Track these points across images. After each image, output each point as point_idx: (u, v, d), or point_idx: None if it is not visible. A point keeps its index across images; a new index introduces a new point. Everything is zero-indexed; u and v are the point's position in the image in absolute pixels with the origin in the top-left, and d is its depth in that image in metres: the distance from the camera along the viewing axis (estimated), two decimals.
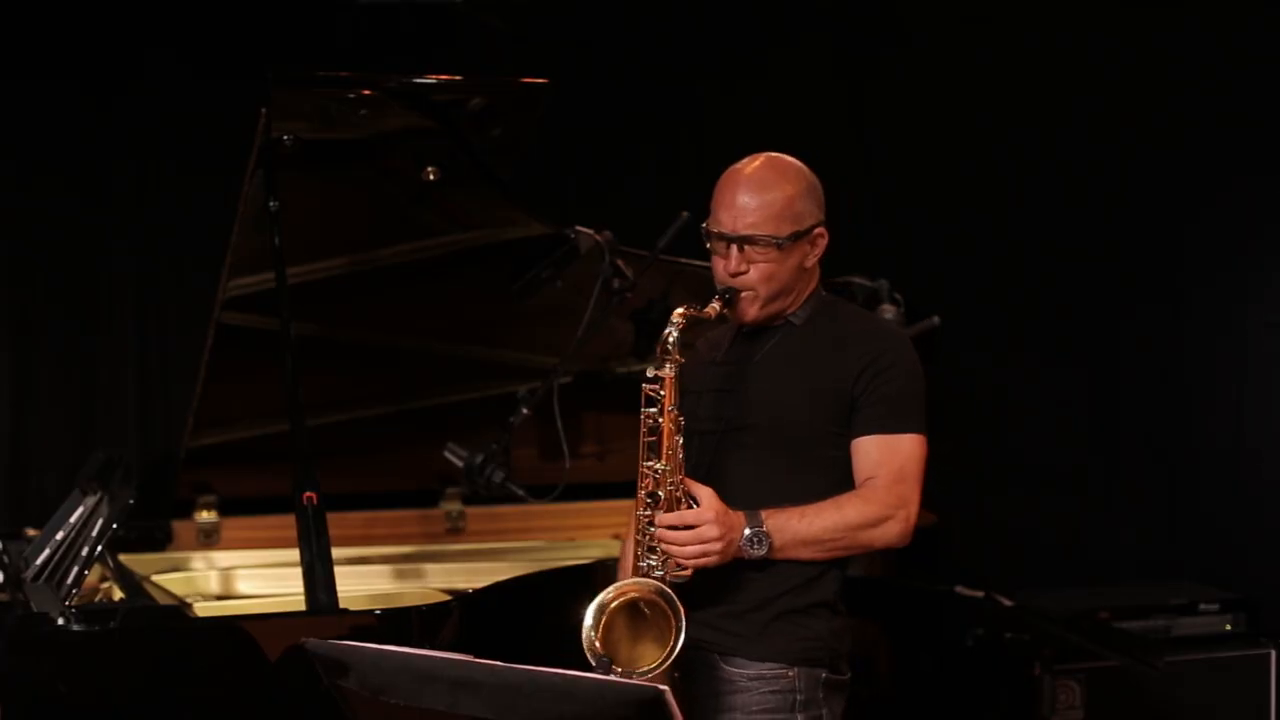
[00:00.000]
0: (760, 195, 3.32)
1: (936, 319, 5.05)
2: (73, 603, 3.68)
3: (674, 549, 3.21)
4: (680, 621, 3.17)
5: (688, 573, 3.23)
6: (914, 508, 3.34)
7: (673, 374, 3.27)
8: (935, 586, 4.90)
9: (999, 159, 5.92)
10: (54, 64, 5.57)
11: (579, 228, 4.47)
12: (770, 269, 3.33)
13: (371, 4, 5.75)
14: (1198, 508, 5.73)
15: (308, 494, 3.74)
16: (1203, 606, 5.22)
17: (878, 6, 6.08)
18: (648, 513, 3.26)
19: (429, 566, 4.77)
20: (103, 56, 5.62)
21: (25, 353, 5.61)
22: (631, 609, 3.21)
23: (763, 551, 3.22)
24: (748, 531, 3.21)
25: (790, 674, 3.32)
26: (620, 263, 4.50)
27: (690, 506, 3.24)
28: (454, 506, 5.23)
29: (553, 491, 4.64)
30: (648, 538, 3.26)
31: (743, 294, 3.34)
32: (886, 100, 6.07)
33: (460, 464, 4.69)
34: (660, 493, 3.25)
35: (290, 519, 3.78)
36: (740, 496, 3.29)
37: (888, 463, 3.31)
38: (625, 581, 3.26)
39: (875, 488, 3.30)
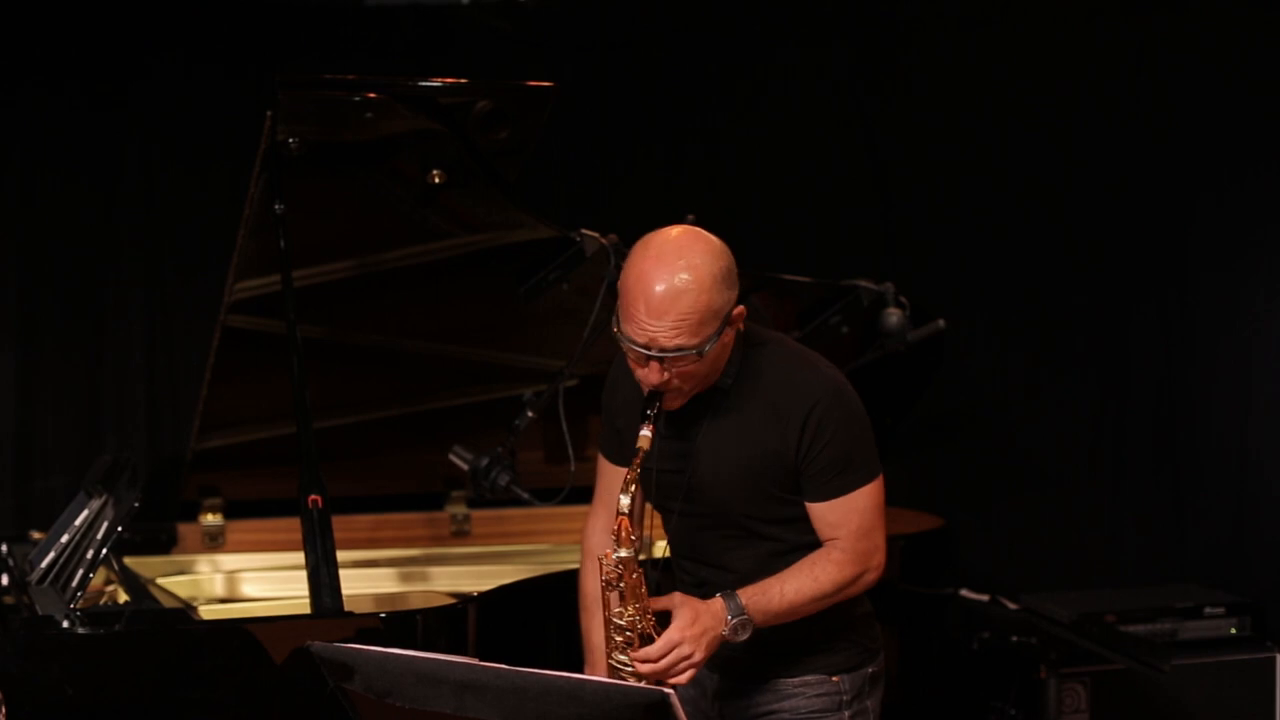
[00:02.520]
0: (676, 309, 3.11)
1: (942, 322, 5.06)
2: (78, 605, 3.67)
3: (653, 669, 3.17)
4: None
5: (682, 682, 3.19)
6: (882, 555, 3.35)
7: (631, 555, 3.19)
8: (940, 590, 4.90)
9: (1004, 163, 5.92)
10: (61, 67, 5.57)
11: (585, 231, 4.47)
12: (693, 370, 3.19)
13: (378, 6, 5.75)
14: (1204, 511, 5.72)
15: (313, 497, 3.75)
16: (1208, 610, 5.22)
17: (882, 11, 6.08)
18: (622, 655, 3.22)
19: (434, 569, 4.77)
20: (109, 60, 5.62)
21: (32, 355, 5.61)
22: None
23: (746, 635, 3.23)
24: (732, 621, 3.21)
25: (835, 679, 3.39)
26: None
27: (659, 632, 3.20)
28: (459, 509, 5.24)
29: (558, 494, 4.64)
30: (622, 665, 3.23)
31: (666, 395, 3.23)
32: (892, 103, 6.06)
33: (466, 467, 4.69)
34: (630, 633, 3.22)
35: (295, 522, 3.78)
36: (724, 568, 3.33)
37: (847, 523, 3.29)
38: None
39: (843, 549, 3.30)
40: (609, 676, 3.25)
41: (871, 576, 3.34)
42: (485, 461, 4.61)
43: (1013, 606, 4.85)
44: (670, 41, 6.04)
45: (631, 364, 3.24)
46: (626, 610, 3.21)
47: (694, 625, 3.19)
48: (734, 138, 6.06)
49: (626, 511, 3.20)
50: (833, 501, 3.29)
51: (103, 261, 5.69)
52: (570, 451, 4.53)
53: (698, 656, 3.18)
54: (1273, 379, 5.58)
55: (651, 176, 6.01)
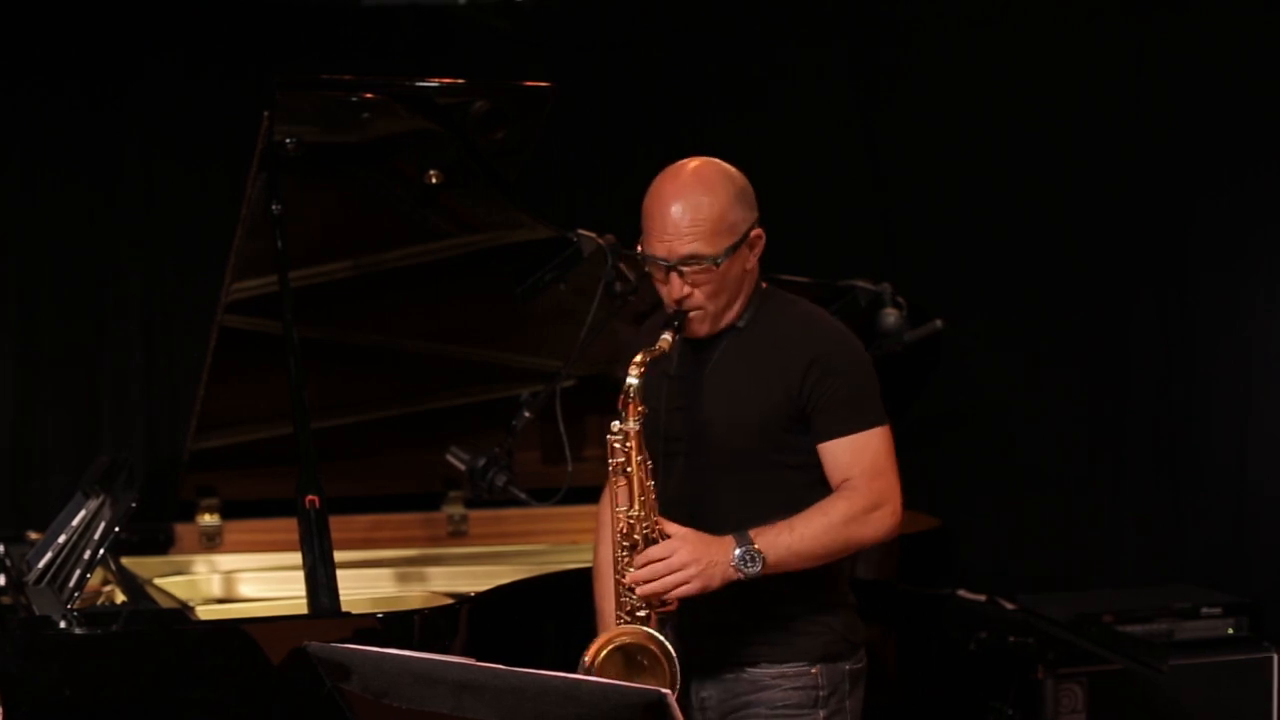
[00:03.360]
0: (690, 216, 3.26)
1: (939, 322, 5.06)
2: (75, 606, 3.67)
3: (651, 586, 3.21)
4: (675, 670, 3.19)
5: (672, 606, 3.24)
6: (897, 499, 3.35)
7: (638, 428, 3.25)
8: (938, 590, 4.90)
9: (1004, 163, 5.92)
10: (61, 67, 5.58)
11: (582, 231, 4.47)
12: (714, 287, 3.30)
13: (376, 7, 5.75)
14: (1201, 511, 5.72)
15: (310, 497, 3.75)
16: (1205, 610, 5.21)
17: (882, 11, 6.08)
18: (625, 556, 3.26)
19: (431, 570, 4.77)
20: (109, 60, 5.63)
21: (31, 355, 5.62)
22: (625, 656, 3.23)
23: (756, 569, 3.22)
24: (738, 551, 3.21)
25: (813, 671, 3.37)
26: (623, 266, 4.49)
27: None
28: (456, 510, 5.24)
29: (555, 495, 4.63)
30: (627, 578, 3.26)
31: (691, 315, 3.33)
32: (892, 103, 6.06)
33: (463, 467, 4.69)
34: (636, 536, 3.25)
35: (293, 522, 3.78)
36: (715, 515, 3.31)
37: (859, 461, 3.32)
38: (615, 630, 3.26)
39: (854, 487, 3.31)
40: (618, 608, 3.26)
41: (888, 520, 3.32)
42: (482, 462, 4.61)
43: (1010, 607, 4.84)
44: (670, 41, 6.04)
45: (657, 285, 3.33)
46: (633, 507, 3.23)
47: (699, 541, 3.21)
48: (734, 138, 6.04)
49: (633, 395, 3.25)
50: (843, 439, 3.31)
51: (102, 261, 5.70)
52: (568, 452, 4.53)
53: (694, 569, 3.18)
54: (1273, 379, 5.58)
55: (651, 176, 5.99)
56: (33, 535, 4.59)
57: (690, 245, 3.26)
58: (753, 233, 3.33)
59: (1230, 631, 5.21)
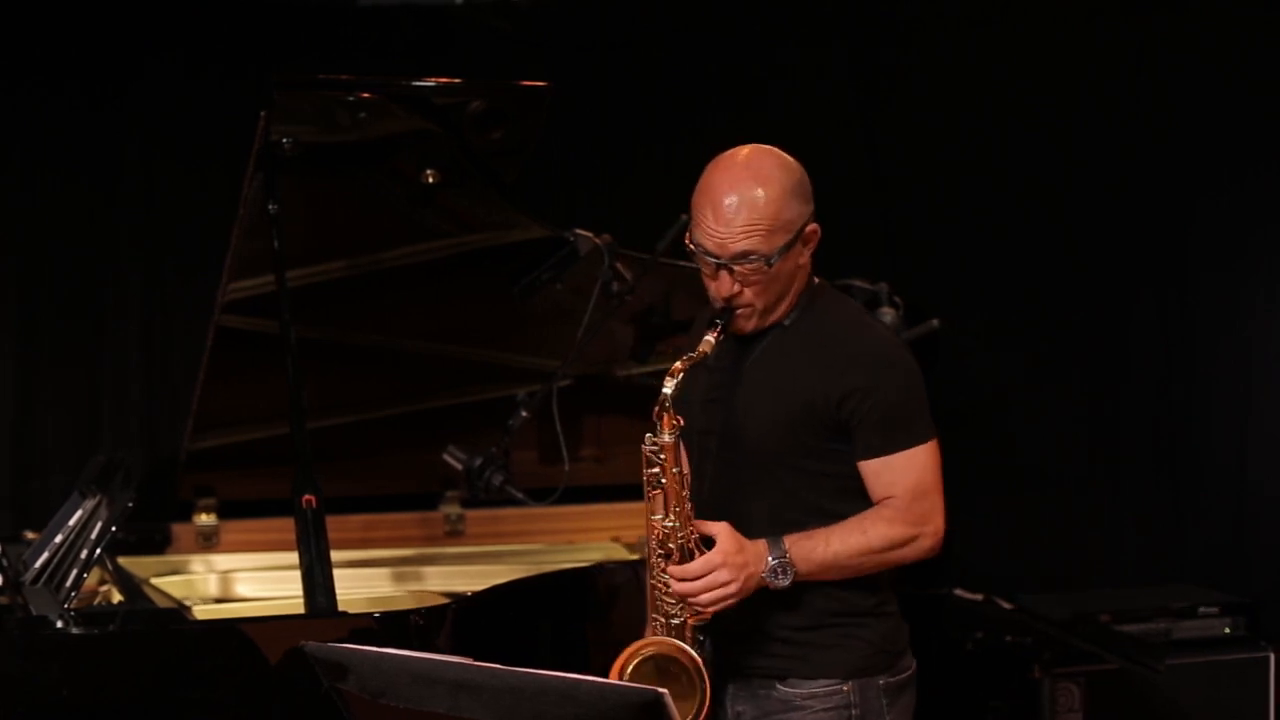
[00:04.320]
0: (746, 213, 3.09)
1: (936, 322, 5.05)
2: (72, 605, 3.67)
3: (691, 601, 3.13)
4: (705, 686, 3.11)
5: (707, 615, 3.16)
6: (939, 519, 3.23)
7: (672, 440, 3.14)
8: (935, 589, 4.90)
9: (1004, 163, 5.92)
10: (61, 67, 5.57)
11: (579, 230, 4.47)
12: (764, 285, 3.15)
13: (372, 6, 5.75)
14: (1201, 511, 5.72)
15: (307, 497, 3.74)
16: (1202, 610, 5.21)
17: (882, 11, 6.07)
18: (660, 562, 3.17)
19: (428, 569, 4.76)
20: (109, 60, 5.62)
21: (31, 354, 5.60)
22: (656, 667, 3.16)
23: (787, 581, 3.13)
24: (772, 562, 3.12)
25: (845, 688, 3.25)
26: (620, 265, 4.50)
27: (703, 552, 3.14)
28: (453, 509, 5.22)
29: (552, 494, 4.63)
30: (664, 586, 3.18)
31: (739, 311, 3.18)
32: (892, 103, 6.06)
33: (460, 467, 4.69)
34: (671, 545, 3.16)
35: (289, 522, 3.78)
36: (743, 515, 3.21)
37: (901, 481, 3.19)
38: (647, 641, 3.19)
39: (896, 507, 3.18)
40: (654, 610, 3.19)
41: (927, 543, 3.21)
42: (479, 462, 4.61)
43: (1007, 606, 4.85)
44: (670, 41, 6.03)
45: (705, 279, 3.19)
46: (668, 517, 3.15)
47: (739, 554, 3.10)
48: (734, 138, 6.02)
49: (668, 404, 3.13)
50: (886, 459, 3.17)
51: (102, 261, 5.69)
52: (564, 452, 4.53)
53: (734, 587, 3.09)
54: (1273, 379, 5.59)
55: (651, 176, 6.00)
56: (30, 535, 4.59)
57: (743, 243, 3.09)
58: (808, 228, 3.17)
59: (1227, 631, 5.21)
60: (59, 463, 5.54)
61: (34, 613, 3.67)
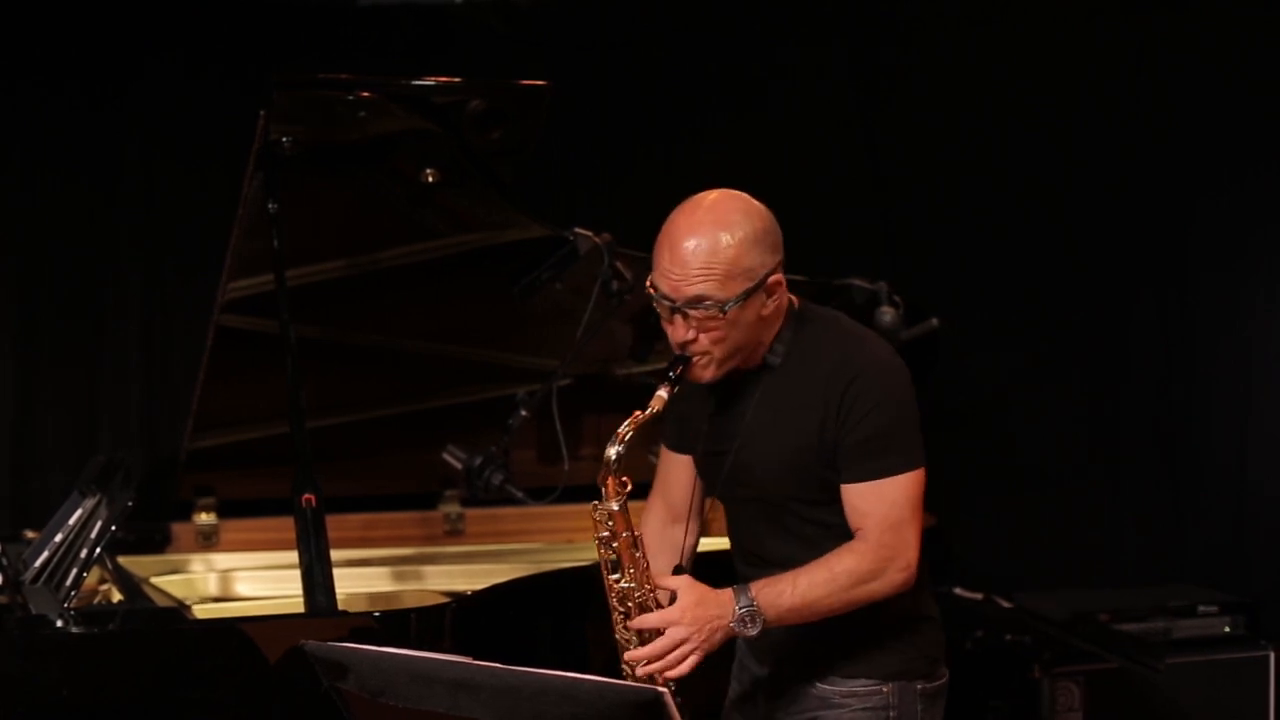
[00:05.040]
0: (702, 256, 3.00)
1: (935, 321, 5.06)
2: (71, 605, 3.67)
3: (651, 667, 3.07)
4: None
5: (677, 673, 3.07)
6: (911, 554, 3.13)
7: (617, 508, 3.10)
8: (934, 588, 4.89)
9: (1004, 163, 5.92)
10: (60, 67, 5.58)
11: (578, 230, 4.47)
12: (721, 333, 3.06)
13: (371, 6, 5.75)
14: (1201, 511, 5.72)
15: (306, 496, 3.74)
16: (1202, 609, 5.22)
17: (882, 11, 6.08)
18: (621, 618, 3.14)
19: (428, 568, 4.77)
20: (109, 60, 5.62)
21: (31, 354, 5.61)
22: None
23: (756, 630, 3.06)
24: (739, 610, 3.05)
25: (885, 689, 3.22)
26: (620, 265, 4.50)
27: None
28: (453, 508, 5.23)
29: (551, 493, 4.63)
30: (626, 644, 3.14)
31: (695, 360, 3.09)
32: (892, 103, 6.06)
33: (459, 466, 4.70)
34: (630, 603, 3.13)
35: (289, 521, 3.78)
36: (771, 563, 3.18)
37: (874, 511, 3.11)
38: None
39: (865, 540, 3.11)
40: (619, 654, 3.15)
41: (898, 577, 3.11)
42: (479, 460, 4.61)
43: (1006, 605, 4.85)
44: (670, 41, 6.03)
45: (664, 324, 3.11)
46: (624, 577, 3.11)
47: (698, 606, 3.05)
48: (734, 138, 6.05)
49: (614, 467, 3.08)
50: (864, 485, 3.10)
51: (102, 261, 5.69)
52: (564, 451, 4.53)
53: (692, 644, 3.03)
54: (1273, 379, 5.59)
55: (651, 176, 6.00)
56: (30, 534, 4.59)
57: (699, 286, 3.01)
58: (771, 279, 3.07)
59: (1227, 630, 5.21)
60: (59, 463, 5.54)
61: (34, 612, 3.67)
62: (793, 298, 3.22)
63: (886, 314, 4.89)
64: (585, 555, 4.82)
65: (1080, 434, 5.94)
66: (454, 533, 5.21)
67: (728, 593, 3.08)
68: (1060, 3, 5.88)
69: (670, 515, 3.39)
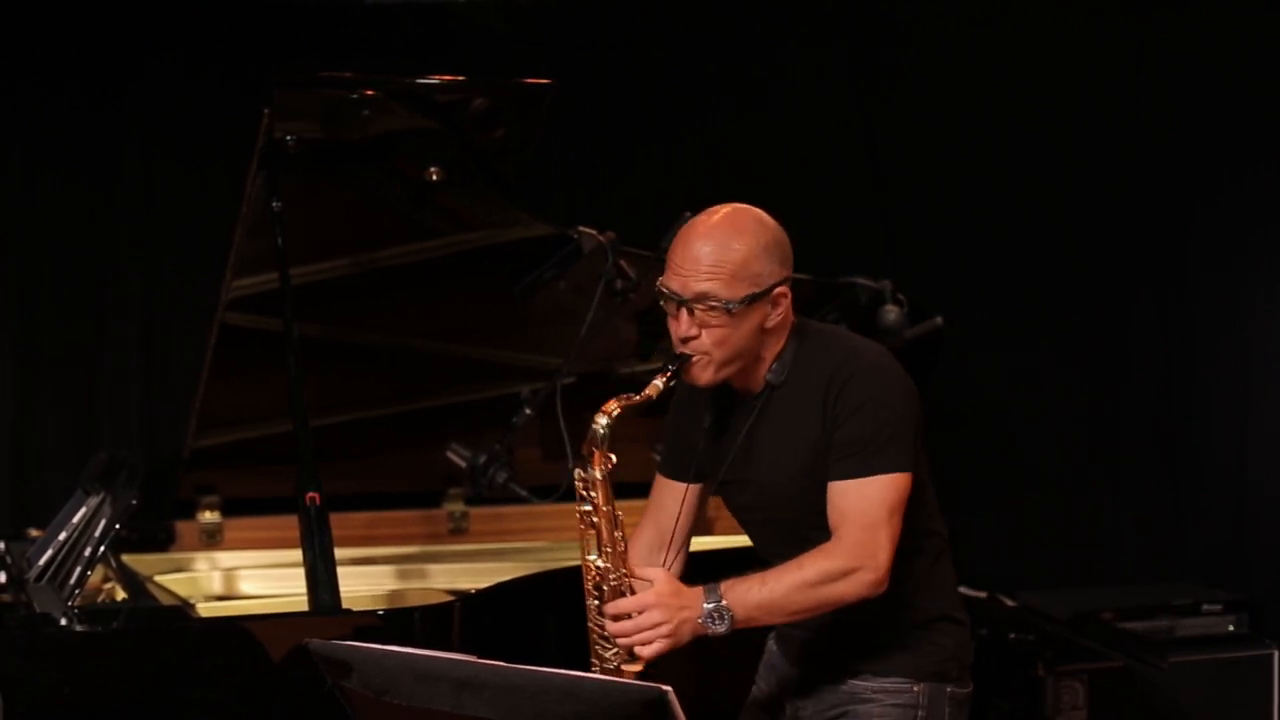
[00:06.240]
0: (712, 256, 3.09)
1: (939, 319, 5.06)
2: (75, 603, 3.67)
3: (620, 640, 3.09)
4: None
5: (639, 666, 3.09)
6: (881, 556, 3.08)
7: (601, 476, 3.13)
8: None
9: (1004, 163, 5.92)
10: (60, 67, 5.57)
11: (582, 228, 4.47)
12: (723, 334, 3.11)
13: (376, 5, 5.75)
14: (1201, 511, 5.73)
15: (310, 494, 3.75)
16: (1206, 607, 5.22)
17: (882, 11, 6.08)
18: (595, 605, 3.15)
19: (432, 567, 4.77)
20: (109, 60, 5.61)
21: (31, 354, 5.60)
22: None
23: (724, 628, 3.06)
24: (707, 607, 3.05)
25: (915, 689, 3.23)
26: (623, 263, 4.50)
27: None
28: (457, 507, 5.23)
29: (556, 492, 4.63)
30: (599, 629, 3.15)
31: (694, 358, 3.14)
32: (892, 103, 6.06)
33: (463, 464, 4.70)
34: (605, 586, 3.13)
35: (293, 519, 3.79)
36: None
37: (853, 510, 3.10)
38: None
39: (839, 540, 3.10)
40: (591, 654, 3.16)
41: (868, 576, 3.07)
42: (483, 459, 4.61)
43: (1010, 604, 4.85)
44: (670, 41, 6.04)
45: (669, 322, 3.17)
46: (601, 556, 3.12)
47: (674, 596, 3.06)
48: (734, 138, 6.06)
49: (600, 440, 3.13)
50: (845, 483, 3.11)
51: (102, 261, 5.69)
52: (568, 449, 4.53)
53: (666, 628, 3.04)
54: (1273, 379, 5.59)
55: (651, 176, 6.00)
56: (33, 532, 4.59)
57: (706, 284, 3.09)
58: (777, 289, 3.15)
59: (1231, 629, 5.22)
60: (59, 462, 5.54)
61: (37, 610, 3.68)
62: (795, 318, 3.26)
63: (890, 313, 4.90)
64: None
65: (1080, 434, 5.95)
66: (458, 531, 5.22)
67: (699, 589, 3.10)
68: (1060, 3, 5.89)
69: (659, 540, 3.39)
